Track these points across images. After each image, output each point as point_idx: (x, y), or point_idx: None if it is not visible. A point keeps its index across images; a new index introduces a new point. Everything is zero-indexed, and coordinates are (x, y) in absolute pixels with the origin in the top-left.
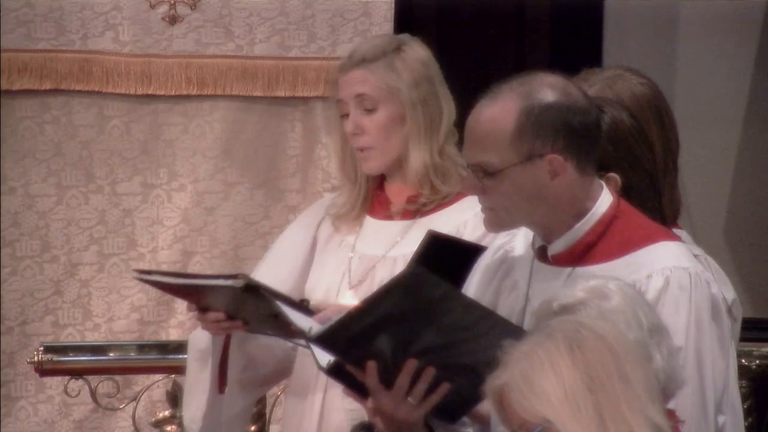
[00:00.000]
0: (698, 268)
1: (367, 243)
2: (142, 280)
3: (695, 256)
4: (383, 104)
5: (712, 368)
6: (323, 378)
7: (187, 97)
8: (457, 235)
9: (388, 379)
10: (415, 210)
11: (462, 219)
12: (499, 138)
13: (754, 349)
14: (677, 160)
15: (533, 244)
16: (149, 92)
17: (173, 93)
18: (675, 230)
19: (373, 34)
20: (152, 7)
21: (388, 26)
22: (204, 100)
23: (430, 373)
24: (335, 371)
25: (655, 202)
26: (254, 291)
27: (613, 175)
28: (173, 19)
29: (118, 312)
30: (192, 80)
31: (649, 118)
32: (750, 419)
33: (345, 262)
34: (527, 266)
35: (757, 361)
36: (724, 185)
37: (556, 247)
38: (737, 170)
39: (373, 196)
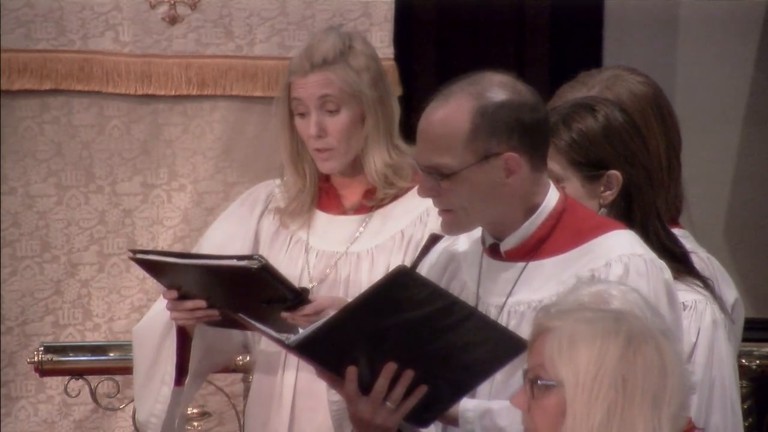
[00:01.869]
0: (651, 255)
1: (322, 239)
2: (134, 259)
3: (692, 252)
4: (346, 106)
5: None
6: (292, 360)
7: (187, 97)
8: (421, 224)
9: (365, 385)
10: (371, 205)
11: (423, 208)
12: (454, 139)
13: (754, 349)
14: (680, 156)
15: (483, 241)
16: (149, 92)
17: (173, 93)
18: (676, 230)
19: (373, 35)
20: (152, 7)
21: (388, 26)
22: (204, 100)
23: (408, 376)
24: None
25: (653, 197)
26: (268, 274)
27: (613, 172)
28: (173, 19)
29: (118, 312)
30: (192, 80)
31: (650, 116)
32: (750, 419)
33: (300, 259)
34: (475, 265)
35: (757, 361)
36: (724, 185)
37: (509, 243)
38: (737, 170)
39: (321, 189)
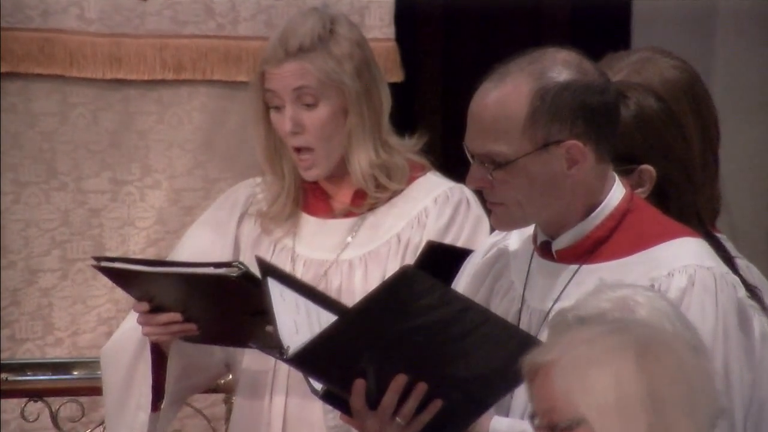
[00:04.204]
0: (723, 269)
1: (310, 246)
2: (99, 268)
3: (735, 258)
4: (325, 98)
5: (740, 382)
6: (281, 382)
7: (163, 83)
8: (419, 226)
9: (374, 399)
10: (361, 212)
11: (420, 207)
12: (510, 125)
13: None
14: (717, 152)
15: (535, 238)
16: (119, 77)
17: (146, 78)
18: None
19: (372, 12)
20: None
21: (389, 3)
22: (181, 85)
23: (421, 389)
24: (331, 396)
25: (692, 196)
26: (250, 282)
27: (646, 167)
28: None
29: (84, 325)
30: (168, 63)
31: (683, 105)
32: None
33: (287, 269)
34: (524, 264)
35: None
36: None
37: (562, 242)
38: None
39: (307, 190)
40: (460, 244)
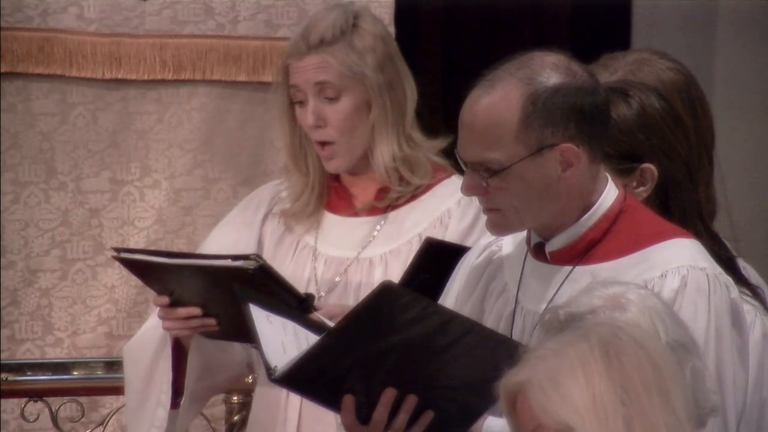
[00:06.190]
0: (716, 270)
1: (331, 243)
2: (119, 259)
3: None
4: (347, 92)
5: (734, 383)
6: None
7: (162, 83)
8: (441, 227)
9: (365, 414)
10: (384, 206)
11: (443, 209)
12: (503, 131)
13: None
14: (712, 154)
15: (528, 240)
16: (119, 76)
17: (146, 77)
18: None
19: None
20: None
21: (389, 2)
22: (181, 85)
23: (411, 402)
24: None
25: (693, 195)
26: (267, 276)
27: (647, 166)
28: None
29: (83, 325)
30: (167, 63)
31: (679, 107)
32: None
33: (308, 267)
34: (518, 266)
35: None
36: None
37: (555, 244)
38: None
39: (330, 189)
40: None
